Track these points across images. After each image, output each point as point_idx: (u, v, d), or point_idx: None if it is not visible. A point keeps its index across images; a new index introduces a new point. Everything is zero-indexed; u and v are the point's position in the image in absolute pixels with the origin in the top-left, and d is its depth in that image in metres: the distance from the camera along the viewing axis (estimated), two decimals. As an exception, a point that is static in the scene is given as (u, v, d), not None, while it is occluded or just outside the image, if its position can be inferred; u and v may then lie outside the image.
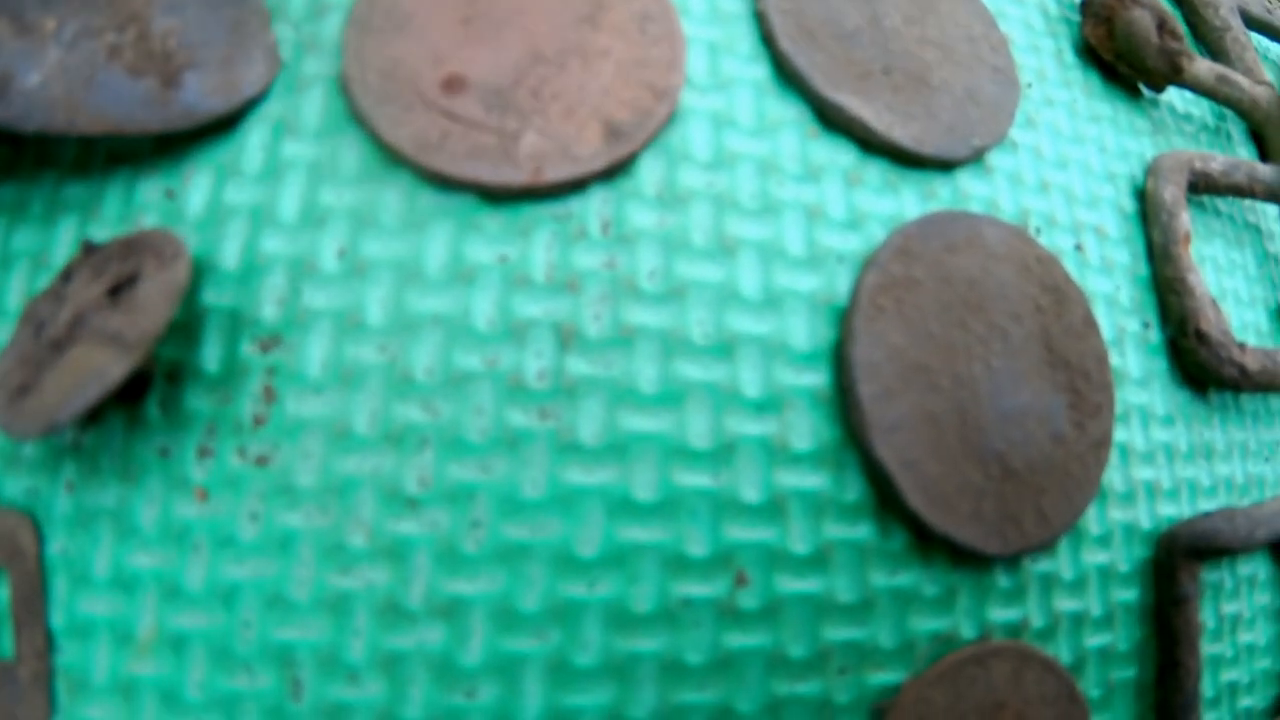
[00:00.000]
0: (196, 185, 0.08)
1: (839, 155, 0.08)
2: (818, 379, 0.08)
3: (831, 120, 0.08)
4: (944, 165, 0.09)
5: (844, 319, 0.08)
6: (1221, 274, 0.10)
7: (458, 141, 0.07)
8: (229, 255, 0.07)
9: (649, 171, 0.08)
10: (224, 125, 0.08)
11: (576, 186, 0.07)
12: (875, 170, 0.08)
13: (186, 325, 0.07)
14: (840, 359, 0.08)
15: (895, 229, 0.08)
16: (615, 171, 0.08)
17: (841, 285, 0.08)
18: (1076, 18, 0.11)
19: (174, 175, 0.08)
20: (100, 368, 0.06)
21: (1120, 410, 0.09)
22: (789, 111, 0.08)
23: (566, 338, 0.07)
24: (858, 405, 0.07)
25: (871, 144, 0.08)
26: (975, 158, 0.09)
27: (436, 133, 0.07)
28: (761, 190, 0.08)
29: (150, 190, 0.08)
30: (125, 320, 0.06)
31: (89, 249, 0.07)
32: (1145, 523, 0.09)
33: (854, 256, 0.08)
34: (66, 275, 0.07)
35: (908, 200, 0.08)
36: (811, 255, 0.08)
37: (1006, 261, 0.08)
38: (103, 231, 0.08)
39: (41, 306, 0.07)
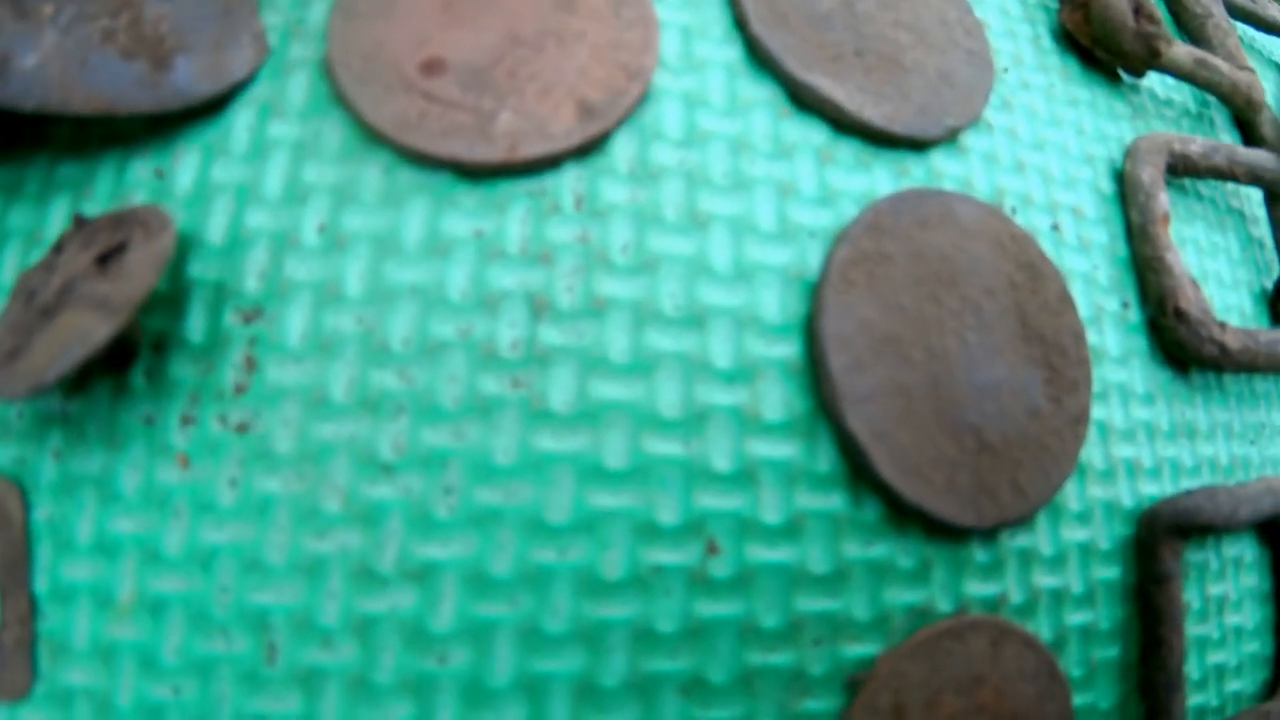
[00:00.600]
0: (185, 165, 0.08)
1: (811, 134, 0.08)
2: (789, 350, 0.08)
3: (803, 100, 0.09)
4: (917, 144, 0.09)
5: (815, 292, 0.08)
6: (1204, 256, 0.10)
7: (435, 120, 0.08)
8: (214, 230, 0.08)
9: (622, 148, 0.08)
10: (212, 107, 0.08)
11: (551, 163, 0.08)
12: (847, 149, 0.09)
13: (172, 297, 0.07)
14: (811, 331, 0.08)
15: (867, 205, 0.08)
16: (589, 149, 0.08)
17: (813, 260, 0.08)
18: (1054, 4, 0.11)
19: (164, 155, 0.08)
20: (85, 330, 0.06)
21: (1099, 388, 0.09)
22: (761, 92, 0.09)
23: (539, 308, 0.07)
24: (828, 376, 0.07)
25: (843, 123, 0.09)
26: (949, 138, 0.09)
27: (415, 113, 0.08)
28: (733, 168, 0.08)
29: (140, 170, 0.08)
30: (112, 287, 0.07)
31: (80, 222, 0.07)
32: (1126, 500, 0.09)
33: (825, 232, 0.08)
34: (58, 248, 0.07)
35: (880, 178, 0.09)
36: (783, 230, 0.08)
37: (980, 238, 0.08)
38: (95, 209, 0.08)
39: (33, 277, 0.07)
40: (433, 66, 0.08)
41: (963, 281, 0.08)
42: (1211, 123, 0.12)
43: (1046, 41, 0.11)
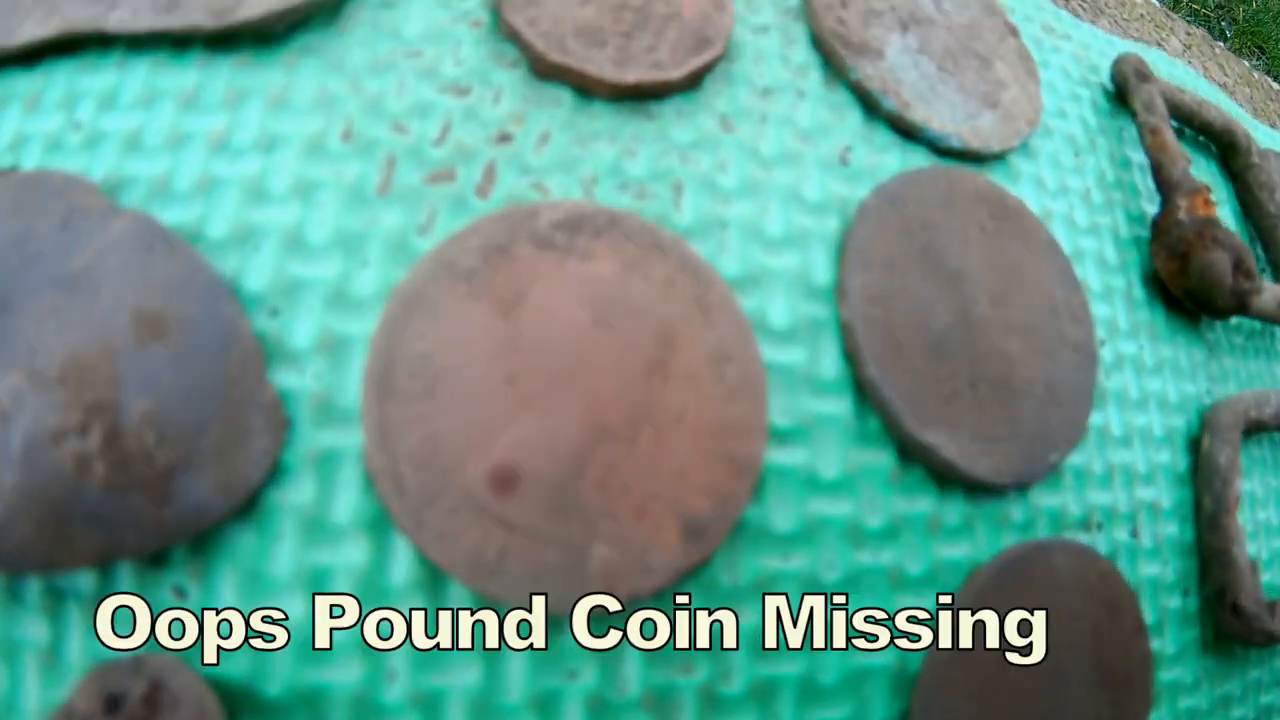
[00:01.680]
0: (216, 588, 0.07)
1: (919, 500, 0.08)
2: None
3: (914, 456, 0.08)
4: (1021, 487, 0.08)
5: (912, 696, 0.07)
6: (1258, 508, 0.11)
7: (517, 559, 0.07)
8: (271, 684, 0.07)
9: (725, 561, 0.07)
10: (238, 514, 0.07)
11: (652, 595, 0.07)
12: (953, 509, 0.08)
13: (231, 758, 0.07)
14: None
15: (969, 585, 0.08)
16: (692, 572, 0.07)
17: (914, 657, 0.08)
18: (1145, 232, 0.10)
19: (183, 573, 0.07)
20: None
21: (1154, 689, 0.09)
22: (872, 456, 0.08)
23: (650, 763, 0.07)
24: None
25: (950, 477, 0.08)
26: (1051, 472, 0.08)
27: (494, 550, 0.07)
28: (844, 559, 0.07)
29: (161, 589, 0.07)
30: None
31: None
32: (1159, 796, 0.09)
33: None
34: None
35: (982, 538, 0.08)
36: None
37: (1071, 590, 0.08)
38: (120, 636, 0.07)
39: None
40: (505, 481, 0.07)
41: (1051, 650, 0.08)
42: (1273, 334, 0.12)
43: (1138, 291, 0.10)
